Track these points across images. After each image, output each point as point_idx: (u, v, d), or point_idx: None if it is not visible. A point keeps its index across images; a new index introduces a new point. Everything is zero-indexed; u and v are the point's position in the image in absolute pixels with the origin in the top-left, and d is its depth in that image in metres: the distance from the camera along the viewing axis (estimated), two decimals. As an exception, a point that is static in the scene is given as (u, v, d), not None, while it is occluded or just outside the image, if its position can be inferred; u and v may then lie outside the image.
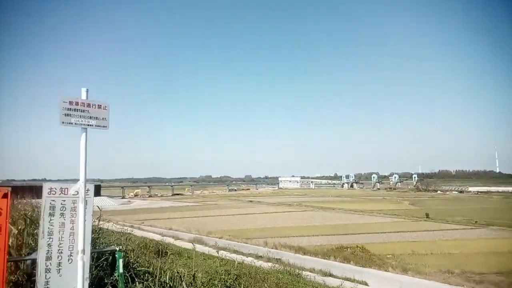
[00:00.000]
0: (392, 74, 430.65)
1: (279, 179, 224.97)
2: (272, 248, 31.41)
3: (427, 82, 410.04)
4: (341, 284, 18.24)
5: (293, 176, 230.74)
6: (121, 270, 5.33)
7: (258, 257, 24.94)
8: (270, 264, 21.62)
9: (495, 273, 26.07)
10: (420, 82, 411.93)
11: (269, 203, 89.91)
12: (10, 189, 4.14)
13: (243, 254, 25.69)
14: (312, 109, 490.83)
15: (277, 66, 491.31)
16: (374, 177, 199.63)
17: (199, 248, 23.72)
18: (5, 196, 4.27)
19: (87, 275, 4.53)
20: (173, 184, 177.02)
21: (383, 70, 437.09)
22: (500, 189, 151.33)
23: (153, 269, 6.24)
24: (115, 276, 5.54)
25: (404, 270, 26.52)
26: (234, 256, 16.61)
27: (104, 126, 4.67)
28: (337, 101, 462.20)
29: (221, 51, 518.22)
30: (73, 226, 4.81)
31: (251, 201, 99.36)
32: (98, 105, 4.62)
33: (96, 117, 4.58)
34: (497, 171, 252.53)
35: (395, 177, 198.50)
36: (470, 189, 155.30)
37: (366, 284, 21.35)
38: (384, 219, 62.39)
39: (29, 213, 7.21)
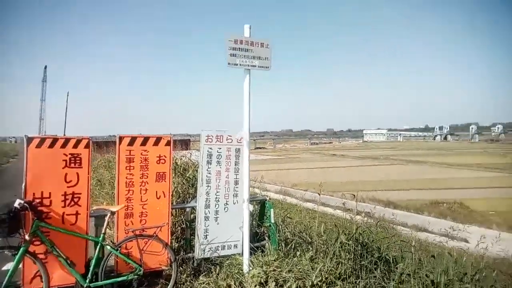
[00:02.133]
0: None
1: (364, 131, 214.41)
2: (360, 202, 30.87)
3: None
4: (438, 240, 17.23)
5: (378, 128, 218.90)
6: (272, 220, 5.41)
7: (347, 209, 24.75)
8: (359, 217, 21.29)
9: None
10: None
11: (353, 156, 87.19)
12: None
13: (330, 206, 25.69)
14: (399, 59, 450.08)
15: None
16: (472, 128, 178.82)
17: (288, 199, 24.30)
18: (168, 143, 4.60)
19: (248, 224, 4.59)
20: (255, 138, 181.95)
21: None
22: None
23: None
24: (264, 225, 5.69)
25: (511, 228, 24.10)
26: (322, 208, 16.53)
27: (266, 67, 4.46)
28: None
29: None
30: (228, 175, 4.99)
31: (334, 154, 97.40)
32: (261, 43, 4.43)
33: (259, 57, 4.40)
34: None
35: (498, 128, 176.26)
36: None
37: (466, 241, 19.94)
38: (485, 173, 56.52)
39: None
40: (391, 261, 4.71)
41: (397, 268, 4.44)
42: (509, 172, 57.36)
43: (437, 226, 22.89)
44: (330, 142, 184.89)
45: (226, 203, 4.99)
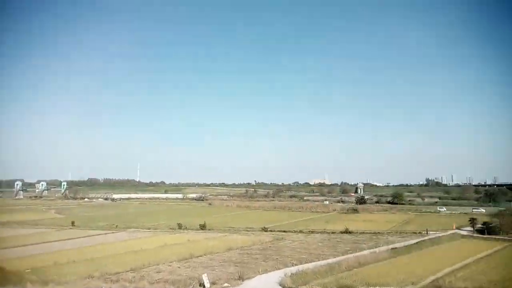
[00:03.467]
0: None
1: None
2: None
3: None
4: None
5: None
6: None
7: None
8: None
9: (129, 271, 30.43)
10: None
11: None
12: None
13: None
14: None
15: None
16: (17, 184, 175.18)
17: None
18: None
19: None
20: None
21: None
22: (139, 196, 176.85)
23: None
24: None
25: (45, 283, 25.50)
26: None
27: None
28: None
29: None
30: None
31: None
32: None
33: None
34: (138, 180, 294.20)
35: (42, 185, 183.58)
36: (114, 196, 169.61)
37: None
38: (26, 230, 56.77)
39: None
40: None
41: None
42: (48, 228, 61.19)
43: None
44: None
45: None
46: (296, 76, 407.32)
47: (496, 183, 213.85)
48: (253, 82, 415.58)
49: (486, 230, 55.33)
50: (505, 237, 50.71)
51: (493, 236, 51.99)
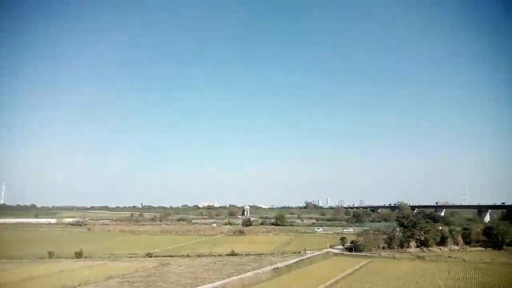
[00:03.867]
0: None
1: None
2: None
3: None
4: None
5: None
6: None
7: None
8: None
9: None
10: None
11: None
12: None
13: None
14: None
15: None
16: None
17: None
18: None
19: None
20: None
21: None
22: (2, 220, 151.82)
23: None
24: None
25: None
26: None
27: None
28: None
29: None
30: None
31: None
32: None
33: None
34: (1, 202, 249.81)
35: None
36: None
37: None
38: None
39: None
40: None
41: None
42: None
43: None
44: None
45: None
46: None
47: (362, 206, 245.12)
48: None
49: (354, 248, 62.26)
50: (368, 254, 57.75)
51: (359, 253, 58.69)
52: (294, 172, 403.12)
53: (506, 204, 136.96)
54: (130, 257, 59.42)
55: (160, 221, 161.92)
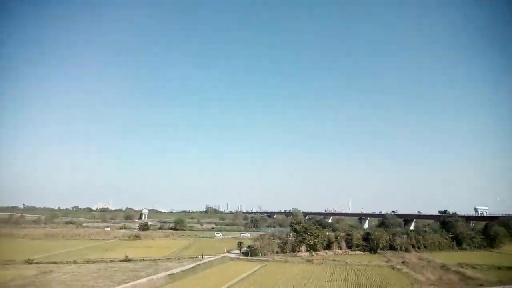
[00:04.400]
0: None
1: None
2: None
3: None
4: None
5: None
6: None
7: None
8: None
9: None
10: None
11: None
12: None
13: None
14: None
15: None
16: None
17: None
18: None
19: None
20: None
21: None
22: None
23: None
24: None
25: None
26: None
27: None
28: None
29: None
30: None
31: None
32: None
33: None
34: None
35: None
36: None
37: None
38: None
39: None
40: None
41: None
42: None
43: None
44: None
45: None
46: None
47: (260, 211, 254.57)
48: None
49: (250, 252, 64.04)
50: (263, 258, 60.00)
51: (254, 258, 60.59)
52: (196, 175, 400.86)
53: (382, 212, 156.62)
54: (5, 264, 51.56)
55: (45, 223, 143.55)
